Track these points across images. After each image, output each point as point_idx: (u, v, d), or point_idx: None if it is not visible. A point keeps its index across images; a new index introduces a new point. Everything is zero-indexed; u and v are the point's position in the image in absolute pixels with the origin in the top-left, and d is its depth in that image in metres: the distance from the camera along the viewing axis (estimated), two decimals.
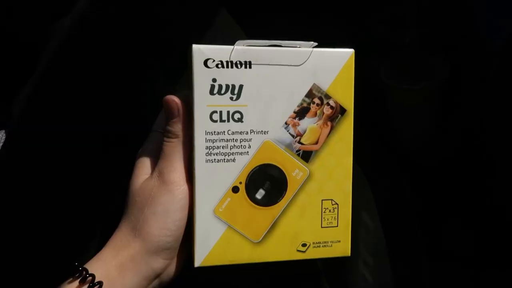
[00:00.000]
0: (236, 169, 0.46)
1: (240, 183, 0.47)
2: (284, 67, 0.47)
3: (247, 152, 0.46)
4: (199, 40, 0.48)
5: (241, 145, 0.46)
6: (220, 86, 0.46)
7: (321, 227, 0.49)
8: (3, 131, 0.65)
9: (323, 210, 0.48)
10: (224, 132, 0.46)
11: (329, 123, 0.48)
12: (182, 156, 0.45)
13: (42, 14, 0.64)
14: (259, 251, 0.47)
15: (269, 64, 0.46)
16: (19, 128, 0.57)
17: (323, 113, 0.47)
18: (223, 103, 0.46)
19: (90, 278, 0.42)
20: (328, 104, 0.47)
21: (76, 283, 0.42)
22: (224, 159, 0.46)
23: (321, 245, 0.49)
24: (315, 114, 0.47)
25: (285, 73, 0.47)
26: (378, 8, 0.78)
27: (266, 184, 0.47)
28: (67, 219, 0.52)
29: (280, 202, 0.47)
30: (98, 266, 0.43)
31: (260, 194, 0.47)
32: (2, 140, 0.64)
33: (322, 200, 0.48)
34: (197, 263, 0.46)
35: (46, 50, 0.58)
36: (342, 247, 0.49)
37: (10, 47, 0.72)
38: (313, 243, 0.48)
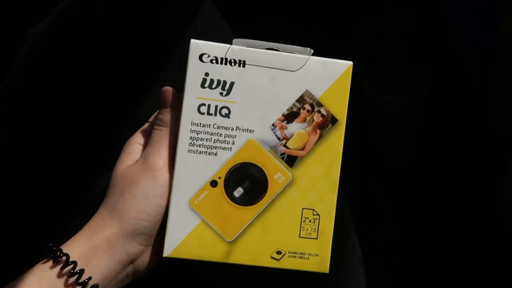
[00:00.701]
0: (217, 164, 0.46)
1: (220, 178, 0.46)
2: (278, 70, 0.47)
3: (230, 148, 0.46)
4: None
5: (225, 141, 0.46)
6: (211, 81, 0.46)
7: (299, 236, 0.47)
8: None
9: (303, 219, 0.47)
10: (209, 125, 0.46)
11: (318, 131, 0.47)
12: (169, 144, 0.45)
13: (21, 17, 0.63)
14: (231, 252, 0.47)
15: (263, 66, 0.47)
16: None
17: (313, 120, 0.47)
18: (213, 97, 0.46)
19: (65, 258, 0.41)
20: (319, 111, 0.47)
21: (50, 263, 0.42)
22: (206, 152, 0.46)
23: (297, 255, 0.47)
24: (304, 120, 0.47)
25: (278, 76, 0.47)
26: (362, 20, 0.79)
27: (245, 183, 0.47)
28: (58, 215, 0.52)
29: (258, 204, 0.47)
30: (73, 247, 0.43)
31: (238, 192, 0.47)
32: None
33: (303, 208, 0.47)
34: (165, 253, 0.46)
35: (24, 51, 0.57)
36: (319, 261, 0.47)
37: None
38: (289, 252, 0.47)
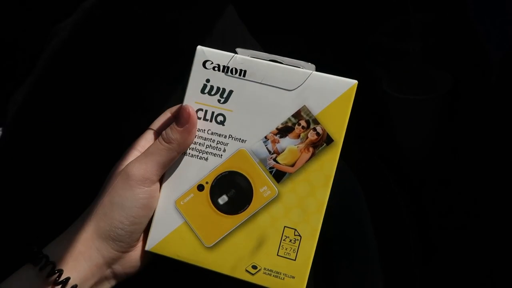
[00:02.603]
0: (206, 169, 0.47)
1: (207, 183, 0.47)
2: (278, 83, 0.46)
3: (221, 155, 0.47)
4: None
5: (217, 147, 0.47)
6: (211, 87, 0.47)
7: (277, 254, 0.46)
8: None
9: (283, 237, 0.46)
10: (204, 130, 0.47)
11: (311, 149, 0.46)
12: (162, 162, 0.45)
13: (43, 18, 0.64)
14: (208, 257, 0.47)
15: (261, 83, 0.46)
16: (15, 127, 0.57)
17: (307, 137, 0.46)
18: (211, 103, 0.47)
19: (44, 259, 0.42)
20: (314, 129, 0.46)
21: (31, 265, 0.43)
22: (197, 156, 0.47)
23: (272, 273, 0.46)
24: (298, 136, 0.46)
25: (278, 90, 0.46)
26: (383, 19, 0.77)
27: (231, 191, 0.46)
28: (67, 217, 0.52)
29: (240, 214, 0.46)
30: (54, 249, 0.43)
31: (223, 199, 0.47)
32: None
33: (284, 226, 0.46)
34: (147, 247, 0.46)
35: (46, 51, 0.58)
36: (294, 284, 0.46)
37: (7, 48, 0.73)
38: (265, 268, 0.46)
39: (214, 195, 0.47)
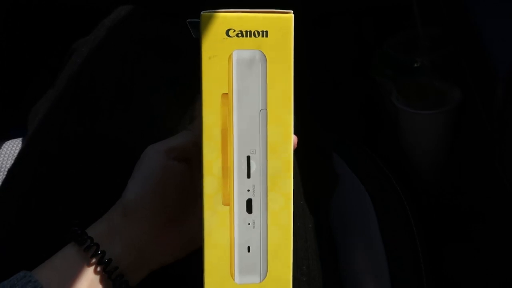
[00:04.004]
0: None
1: None
2: None
3: None
4: None
5: None
6: None
7: None
8: (20, 139, 0.67)
9: None
10: None
11: None
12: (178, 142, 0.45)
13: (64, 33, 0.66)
14: None
15: None
16: (35, 139, 0.58)
17: None
18: None
19: (89, 240, 0.43)
20: None
21: (75, 245, 0.43)
22: None
23: None
24: None
25: None
26: (391, 33, 0.78)
27: None
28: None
29: None
30: (92, 231, 0.44)
31: None
32: (18, 148, 0.66)
33: None
34: None
35: (67, 65, 0.60)
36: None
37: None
38: None
39: None
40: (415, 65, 0.80)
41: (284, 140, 0.37)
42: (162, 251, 0.45)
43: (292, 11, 0.36)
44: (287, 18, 0.36)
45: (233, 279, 0.37)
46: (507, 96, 0.66)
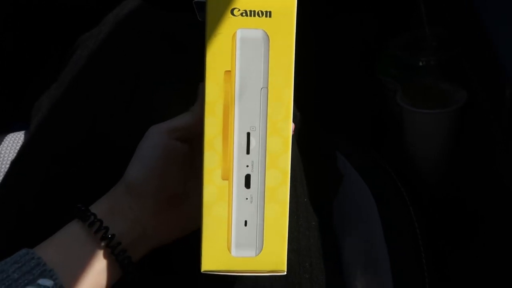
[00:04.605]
0: None
1: None
2: None
3: None
4: None
5: None
6: None
7: None
8: (22, 132, 0.68)
9: None
10: None
11: None
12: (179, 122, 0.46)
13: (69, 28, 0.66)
14: None
15: None
16: (38, 133, 0.59)
17: None
18: None
19: (93, 217, 0.43)
20: None
21: (79, 222, 0.43)
22: None
23: None
24: None
25: None
26: (397, 33, 0.78)
27: None
28: None
29: None
30: (95, 209, 0.44)
31: None
32: (21, 141, 0.66)
33: None
34: None
35: (71, 60, 0.61)
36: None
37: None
38: None
39: None
40: (420, 64, 0.79)
41: (283, 118, 0.37)
42: (163, 229, 0.46)
43: None
44: (291, 0, 0.36)
45: (230, 252, 0.38)
46: None
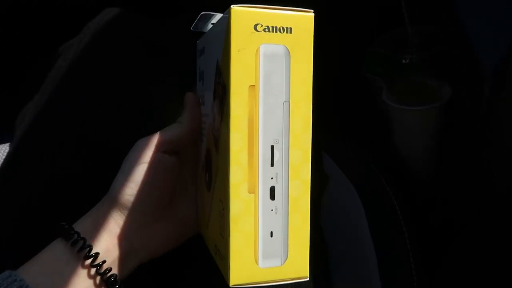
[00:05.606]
0: (203, 150, 0.47)
1: (203, 165, 0.47)
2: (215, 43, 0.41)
3: (205, 135, 0.46)
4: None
5: (204, 128, 0.47)
6: (200, 73, 0.47)
7: (219, 233, 0.41)
8: (7, 144, 0.68)
9: (219, 212, 0.41)
10: (202, 114, 0.47)
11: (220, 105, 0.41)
12: (166, 136, 0.46)
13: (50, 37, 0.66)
14: (205, 234, 0.46)
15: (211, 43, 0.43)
16: (22, 144, 0.58)
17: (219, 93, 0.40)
18: (200, 88, 0.47)
19: (76, 235, 0.43)
20: (219, 82, 0.40)
21: (62, 240, 0.43)
22: (202, 140, 0.47)
23: (218, 255, 0.41)
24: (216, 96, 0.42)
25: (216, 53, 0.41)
26: (380, 31, 0.78)
27: (209, 168, 0.45)
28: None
29: (212, 187, 0.44)
30: (79, 226, 0.44)
31: (206, 176, 0.46)
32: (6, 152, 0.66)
33: (219, 199, 0.41)
34: None
35: (53, 69, 0.61)
36: (224, 266, 0.39)
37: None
38: (217, 248, 0.42)
39: (205, 175, 0.46)
40: (404, 62, 0.79)
41: (304, 130, 0.38)
42: (151, 242, 0.46)
43: (313, 11, 0.38)
44: (309, 17, 0.38)
45: (257, 264, 0.38)
46: (494, 93, 0.66)
